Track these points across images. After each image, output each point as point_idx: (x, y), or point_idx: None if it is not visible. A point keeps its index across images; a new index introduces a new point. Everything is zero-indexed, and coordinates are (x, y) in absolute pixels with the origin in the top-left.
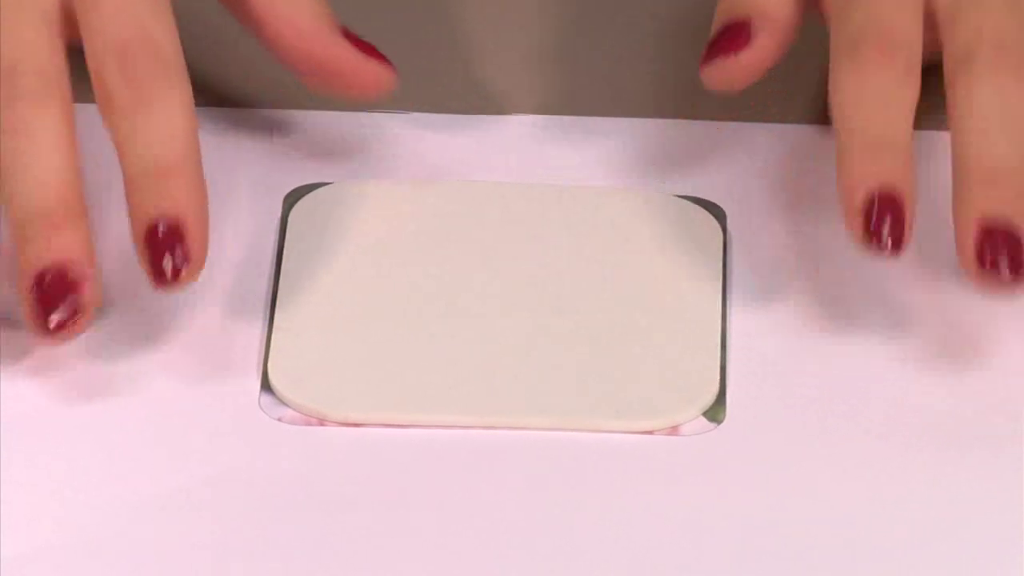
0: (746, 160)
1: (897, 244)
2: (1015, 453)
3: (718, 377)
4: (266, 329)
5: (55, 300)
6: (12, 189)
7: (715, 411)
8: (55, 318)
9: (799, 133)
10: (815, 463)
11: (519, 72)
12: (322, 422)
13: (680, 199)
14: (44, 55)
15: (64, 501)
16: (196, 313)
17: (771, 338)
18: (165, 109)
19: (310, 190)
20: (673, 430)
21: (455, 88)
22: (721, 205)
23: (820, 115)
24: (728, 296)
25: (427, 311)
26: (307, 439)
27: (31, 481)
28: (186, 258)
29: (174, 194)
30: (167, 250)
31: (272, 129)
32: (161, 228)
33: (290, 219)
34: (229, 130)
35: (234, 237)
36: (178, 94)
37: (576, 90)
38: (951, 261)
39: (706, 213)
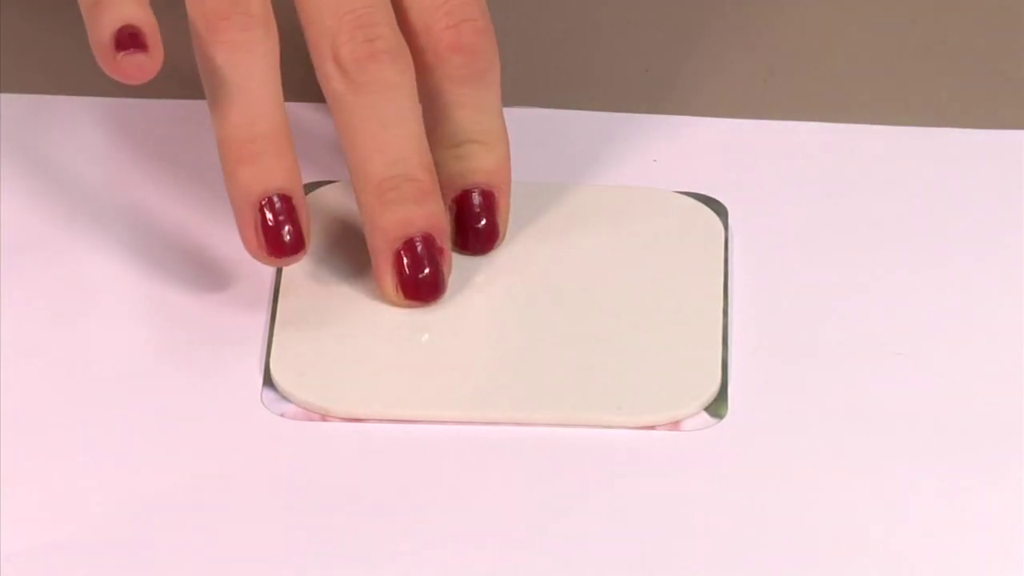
0: (748, 156)
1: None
2: (1015, 452)
3: (720, 372)
4: (268, 325)
5: (423, 266)
6: (380, 145)
7: (717, 406)
8: (424, 281)
9: (800, 130)
10: (816, 458)
11: (519, 66)
12: (324, 417)
13: (682, 195)
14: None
15: (65, 497)
16: (199, 309)
17: (773, 334)
18: (492, 83)
19: (312, 188)
20: (674, 425)
21: None
22: (723, 201)
23: (821, 113)
24: (730, 292)
25: (429, 307)
26: (309, 435)
27: (33, 477)
28: (497, 226)
29: (492, 166)
30: (477, 212)
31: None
32: (479, 193)
33: None
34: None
35: (237, 234)
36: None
37: (577, 85)
38: (951, 261)
39: (708, 209)
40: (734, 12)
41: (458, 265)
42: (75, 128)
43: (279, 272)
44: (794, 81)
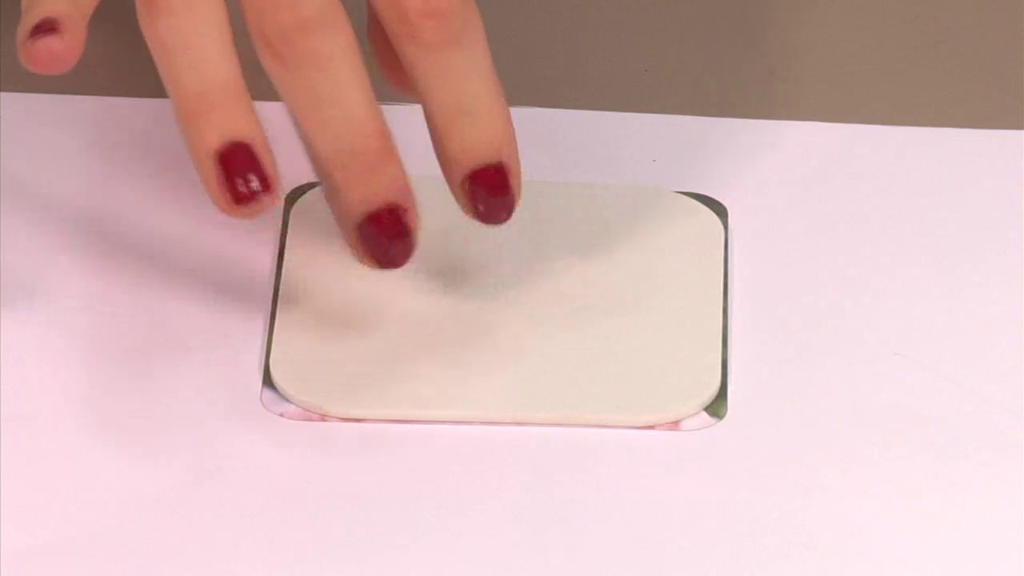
0: (748, 156)
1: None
2: (1015, 452)
3: (719, 372)
4: (268, 325)
5: (391, 236)
6: (322, 123)
7: (716, 406)
8: (395, 249)
9: (800, 129)
10: (815, 458)
11: (519, 65)
12: (324, 418)
13: (682, 195)
14: None
15: (65, 497)
16: (198, 309)
17: (772, 334)
18: (474, 44)
19: (312, 187)
20: (674, 425)
21: None
22: (723, 201)
23: (821, 113)
24: (730, 292)
25: (428, 307)
26: (309, 435)
27: (33, 477)
28: (513, 195)
29: (496, 136)
30: (491, 186)
31: (275, 125)
32: (489, 166)
33: (292, 216)
34: None
35: (236, 234)
36: (480, 30)
37: (577, 84)
38: (951, 261)
39: (708, 209)
40: (734, 12)
41: (456, 266)
42: (75, 128)
43: (279, 272)
44: (794, 81)
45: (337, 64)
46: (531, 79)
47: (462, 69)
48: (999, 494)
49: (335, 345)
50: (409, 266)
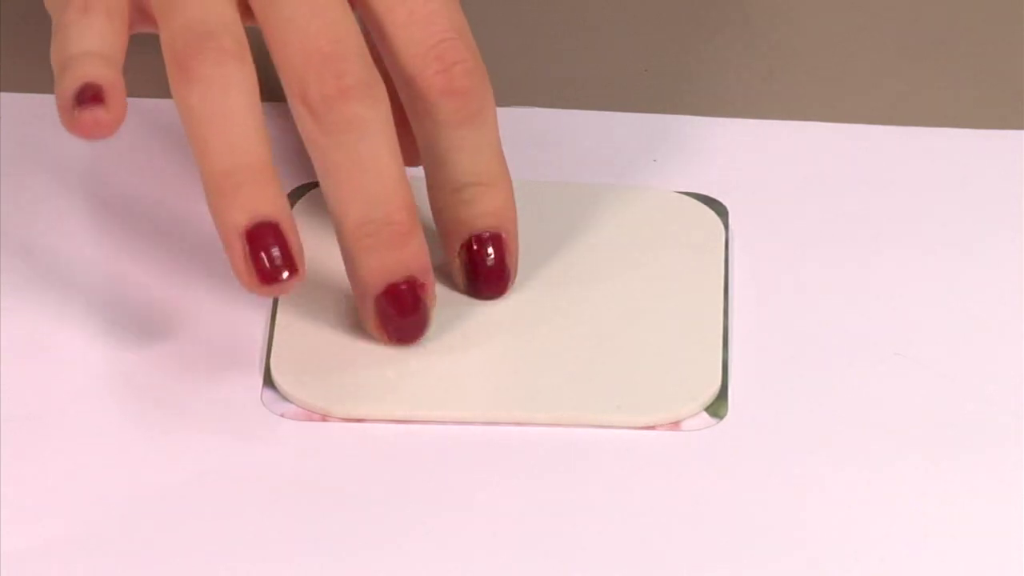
0: (748, 156)
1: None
2: (1015, 452)
3: (720, 372)
4: (268, 325)
5: (407, 311)
6: (355, 189)
7: (717, 406)
8: (409, 325)
9: (800, 130)
10: (816, 458)
11: (519, 65)
12: (324, 418)
13: (682, 195)
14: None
15: (66, 497)
16: (199, 310)
17: (773, 334)
18: (487, 122)
19: (312, 187)
20: (675, 425)
21: None
22: (723, 201)
23: (821, 113)
24: (730, 292)
25: None
26: (309, 435)
27: (33, 477)
28: (508, 268)
29: (497, 208)
30: (487, 256)
31: (276, 125)
32: (487, 236)
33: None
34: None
35: None
36: (493, 108)
37: (577, 84)
38: (951, 261)
39: (708, 209)
40: (734, 12)
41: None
42: None
43: None
44: (794, 81)
45: (375, 132)
46: (531, 79)
47: (474, 146)
48: (999, 494)
49: (335, 345)
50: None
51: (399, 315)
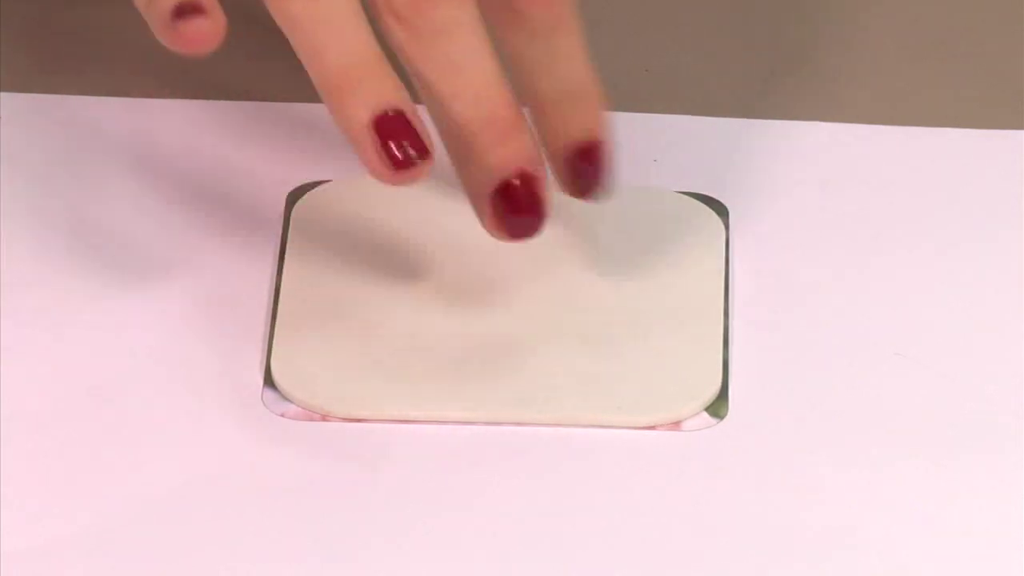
0: (748, 156)
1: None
2: (1015, 452)
3: (720, 372)
4: (268, 325)
5: (522, 208)
6: (456, 90)
7: (717, 406)
8: (526, 221)
9: (801, 129)
10: (816, 458)
11: None
12: (325, 418)
13: (683, 195)
14: None
15: (65, 497)
16: (199, 309)
17: (773, 334)
18: (577, 32)
19: (312, 187)
20: (675, 425)
21: None
22: (723, 201)
23: (821, 113)
24: (731, 292)
25: (429, 307)
26: (310, 435)
27: (33, 477)
28: (603, 180)
29: (599, 119)
30: (592, 169)
31: (276, 125)
32: (595, 149)
33: (293, 216)
34: (232, 125)
35: (237, 234)
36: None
37: None
38: (951, 260)
39: (709, 209)
40: (734, 12)
41: (458, 267)
42: (76, 128)
43: (280, 272)
44: (794, 81)
45: (467, 32)
46: None
47: (566, 55)
48: (999, 494)
49: (336, 345)
50: (411, 265)
51: (515, 212)
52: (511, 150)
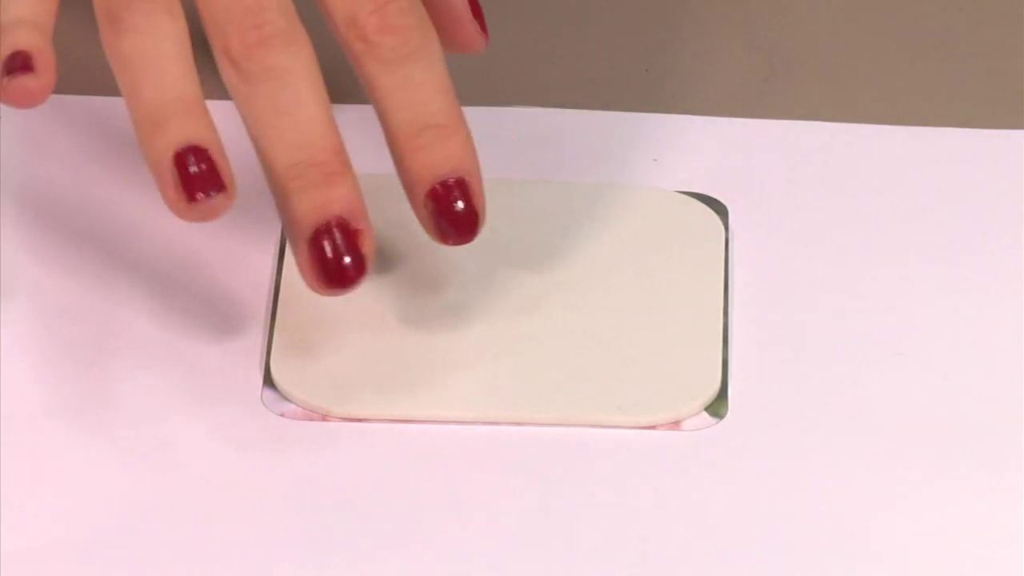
0: (748, 156)
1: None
2: (1015, 452)
3: (720, 372)
4: (268, 325)
5: (338, 254)
6: (280, 134)
7: (717, 406)
8: (342, 269)
9: (800, 129)
10: (816, 458)
11: (520, 66)
12: (325, 417)
13: (682, 195)
14: None
15: (65, 497)
16: (199, 310)
17: (772, 333)
18: (432, 59)
19: None
20: (675, 425)
21: (457, 81)
22: (723, 201)
23: (821, 113)
24: (730, 291)
25: (429, 306)
26: (310, 434)
27: (33, 477)
28: (477, 213)
29: (459, 151)
30: (454, 202)
31: None
32: (451, 182)
33: None
34: (232, 125)
35: (237, 234)
36: (437, 46)
37: (577, 85)
38: (951, 261)
39: (708, 209)
40: (734, 12)
41: (457, 266)
42: (75, 128)
43: (279, 272)
44: (794, 81)
45: (298, 80)
46: (531, 79)
47: (420, 84)
48: (999, 494)
49: (335, 345)
50: (410, 264)
51: (333, 258)
52: (328, 194)
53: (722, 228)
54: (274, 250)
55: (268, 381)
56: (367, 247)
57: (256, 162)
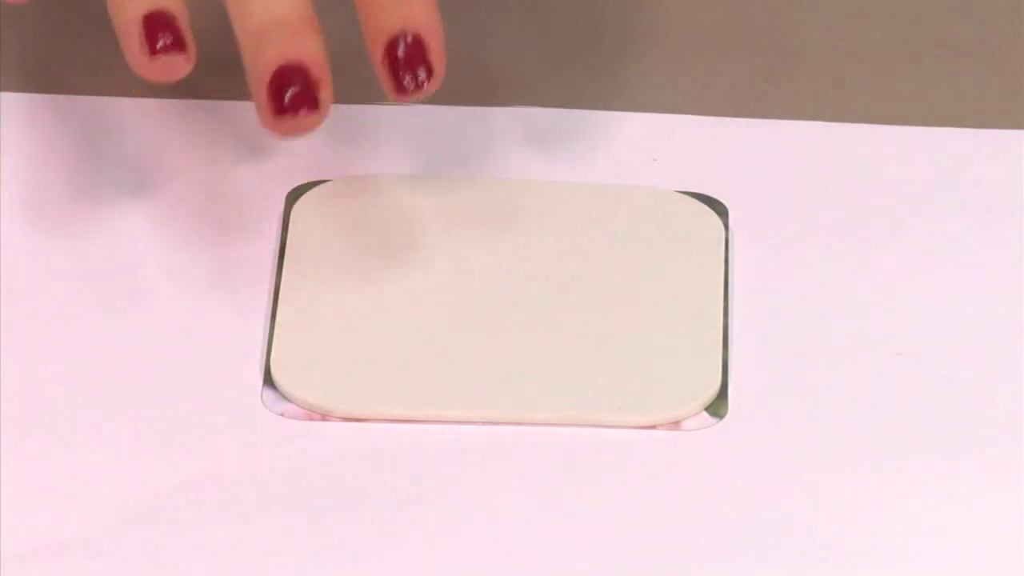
0: (748, 155)
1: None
2: (1015, 452)
3: (720, 372)
4: (268, 325)
5: (294, 96)
6: (253, 10)
7: (717, 406)
8: (302, 99)
9: (800, 130)
10: (816, 458)
11: (521, 65)
12: (324, 417)
13: (682, 194)
14: None
15: (65, 497)
16: (198, 309)
17: (773, 334)
18: None
19: (312, 187)
20: (675, 425)
21: (457, 81)
22: (723, 200)
23: (821, 113)
24: (730, 291)
25: (429, 306)
26: (309, 434)
27: (33, 477)
28: (424, 71)
29: (418, 10)
30: (407, 59)
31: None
32: (413, 37)
33: (292, 215)
34: (231, 125)
35: (236, 233)
36: None
37: (578, 84)
38: (951, 261)
39: (708, 208)
40: (734, 12)
41: (457, 266)
42: (75, 128)
43: (280, 272)
44: (794, 81)
45: None
46: (532, 79)
47: None
48: (999, 494)
49: (336, 345)
50: (410, 264)
51: (288, 96)
52: (293, 45)
53: (722, 228)
54: (274, 250)
55: (268, 381)
56: (324, 95)
57: (253, 161)
